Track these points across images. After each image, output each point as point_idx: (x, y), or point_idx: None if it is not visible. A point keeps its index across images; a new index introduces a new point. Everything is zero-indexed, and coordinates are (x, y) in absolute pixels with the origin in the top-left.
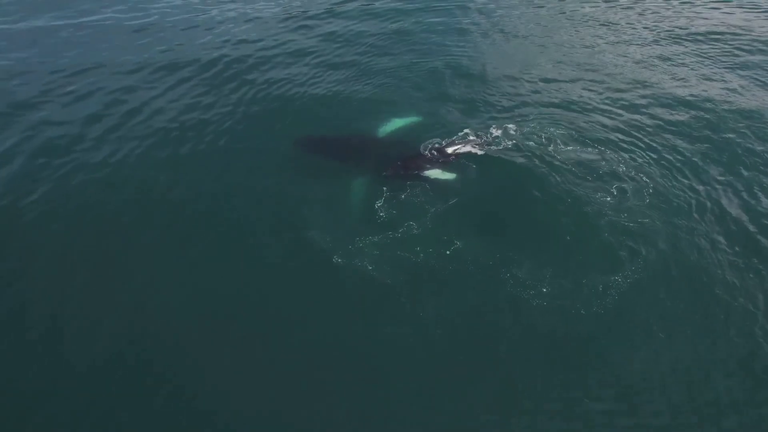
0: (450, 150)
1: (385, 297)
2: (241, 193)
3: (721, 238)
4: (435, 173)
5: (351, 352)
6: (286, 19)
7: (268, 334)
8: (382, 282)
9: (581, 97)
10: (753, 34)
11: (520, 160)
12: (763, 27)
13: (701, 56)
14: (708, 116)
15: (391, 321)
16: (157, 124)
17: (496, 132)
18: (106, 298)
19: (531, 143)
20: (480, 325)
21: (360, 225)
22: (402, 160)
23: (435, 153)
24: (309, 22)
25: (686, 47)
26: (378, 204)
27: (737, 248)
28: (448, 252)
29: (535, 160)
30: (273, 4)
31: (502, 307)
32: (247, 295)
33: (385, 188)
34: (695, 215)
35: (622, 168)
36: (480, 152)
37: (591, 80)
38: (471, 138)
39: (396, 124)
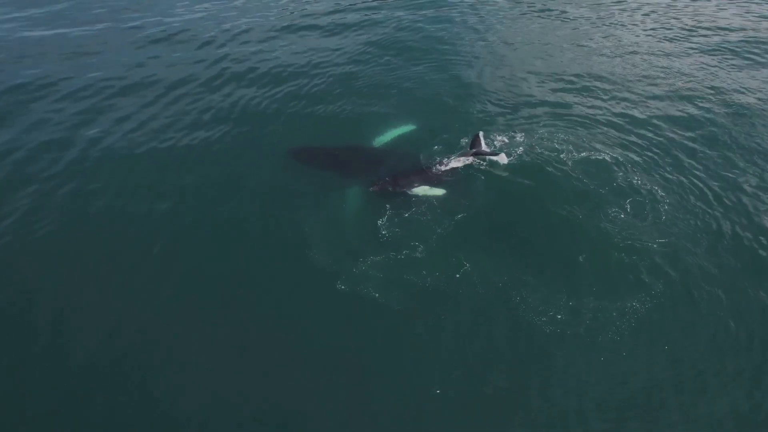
0: (444, 165)
1: (394, 325)
2: (234, 207)
3: (747, 261)
4: (423, 190)
5: (358, 383)
6: (283, 28)
7: (273, 364)
8: (389, 309)
9: (589, 104)
10: None
11: (527, 171)
12: None
13: (720, 60)
14: (735, 125)
15: (400, 350)
16: (149, 132)
17: (500, 142)
18: (104, 302)
19: (538, 153)
20: (493, 355)
21: (363, 245)
22: (390, 176)
23: (427, 168)
24: (305, 32)
25: (704, 50)
26: (381, 222)
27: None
28: (457, 275)
29: (542, 171)
30: (271, 14)
31: (516, 336)
32: (248, 317)
33: (388, 205)
34: (717, 234)
35: (636, 180)
36: (482, 164)
37: (598, 87)
38: (469, 150)
39: (392, 133)
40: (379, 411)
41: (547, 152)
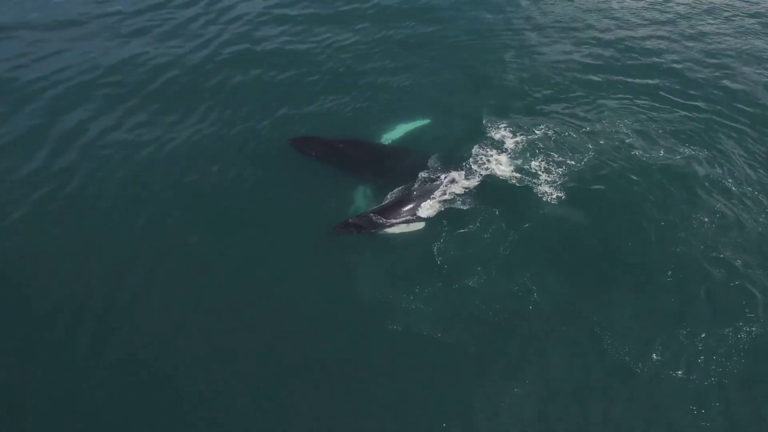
0: (437, 189)
1: (465, 371)
2: (235, 207)
3: None
4: (400, 228)
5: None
6: (288, 14)
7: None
8: (454, 350)
9: (645, 96)
10: None
11: (581, 175)
12: None
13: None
14: None
15: (475, 400)
16: (132, 125)
17: (531, 140)
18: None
19: (586, 153)
20: (583, 408)
21: (415, 273)
22: (357, 217)
23: (405, 200)
24: (310, 16)
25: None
26: (437, 245)
27: None
28: (530, 307)
29: (599, 175)
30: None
31: (607, 380)
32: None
33: (445, 221)
34: None
35: (719, 179)
36: (504, 172)
37: (651, 75)
38: (470, 168)
39: (403, 128)
40: None
41: (598, 151)
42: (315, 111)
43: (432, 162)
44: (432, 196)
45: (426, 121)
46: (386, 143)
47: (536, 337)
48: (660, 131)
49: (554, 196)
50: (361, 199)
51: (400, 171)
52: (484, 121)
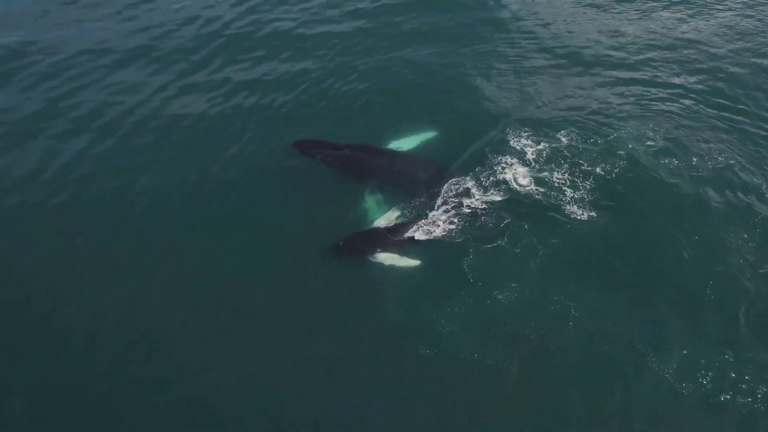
0: (439, 215)
1: (504, 393)
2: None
3: None
4: (391, 258)
5: None
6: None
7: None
8: (492, 372)
9: (670, 95)
10: None
11: (610, 185)
12: None
13: None
14: None
15: (517, 422)
16: (144, 120)
17: (556, 150)
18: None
19: (616, 160)
20: (627, 429)
21: (446, 290)
22: (345, 240)
23: (403, 226)
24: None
25: None
26: (466, 261)
27: None
28: (569, 324)
29: (630, 181)
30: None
31: (654, 406)
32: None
33: (471, 235)
34: None
35: (757, 189)
36: (527, 183)
37: (679, 76)
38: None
39: (410, 139)
40: None
41: (627, 160)
42: (319, 114)
43: (447, 172)
44: (441, 216)
45: (433, 133)
46: (395, 149)
47: (576, 355)
48: (691, 138)
49: (582, 209)
50: (372, 206)
51: (412, 179)
52: (502, 127)
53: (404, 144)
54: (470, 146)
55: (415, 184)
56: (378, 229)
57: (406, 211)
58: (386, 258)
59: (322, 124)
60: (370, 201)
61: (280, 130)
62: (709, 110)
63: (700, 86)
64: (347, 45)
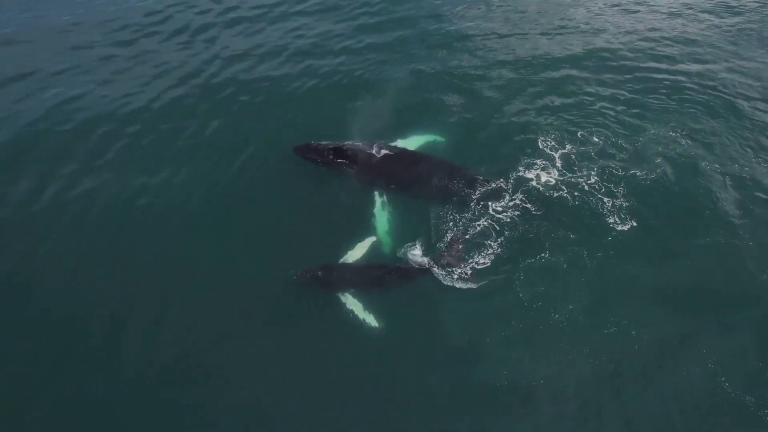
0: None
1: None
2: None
3: None
4: (353, 303)
5: None
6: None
7: None
8: (561, 400)
9: (703, 94)
10: None
11: (649, 189)
12: None
13: None
14: None
15: None
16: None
17: (583, 163)
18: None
19: (651, 161)
20: None
21: (500, 311)
22: (322, 268)
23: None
24: (314, 17)
25: None
26: (516, 277)
27: None
28: (635, 346)
29: (670, 183)
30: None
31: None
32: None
33: (516, 247)
34: None
35: None
36: (559, 188)
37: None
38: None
39: (415, 140)
40: None
41: (663, 161)
42: (319, 118)
43: (467, 173)
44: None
45: (442, 139)
46: (399, 150)
47: (645, 375)
48: (731, 140)
49: (622, 218)
50: (379, 209)
51: (419, 178)
52: (521, 131)
53: (408, 144)
54: (488, 150)
55: (422, 181)
56: (352, 266)
57: (436, 222)
58: (351, 302)
59: (322, 129)
60: (377, 202)
61: (281, 137)
62: (745, 113)
63: (729, 81)
64: (347, 45)
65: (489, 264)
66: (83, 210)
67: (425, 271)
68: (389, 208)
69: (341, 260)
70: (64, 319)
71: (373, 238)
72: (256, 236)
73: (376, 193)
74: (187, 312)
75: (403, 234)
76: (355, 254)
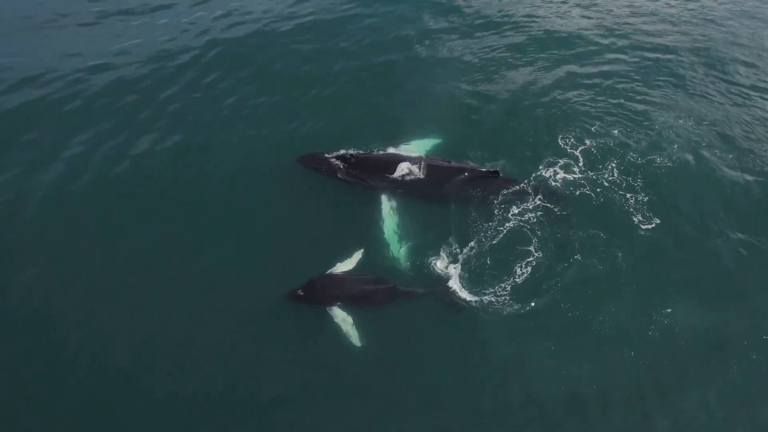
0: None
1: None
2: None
3: None
4: (342, 318)
5: None
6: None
7: None
8: (609, 407)
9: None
10: None
11: (675, 183)
12: None
13: None
14: None
15: None
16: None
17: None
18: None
19: (674, 155)
20: None
21: (542, 321)
22: (310, 282)
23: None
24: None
25: None
26: (554, 281)
27: None
28: (682, 344)
29: (698, 178)
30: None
31: None
32: None
33: (550, 248)
34: None
35: None
36: (581, 185)
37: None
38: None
39: (415, 144)
40: None
41: (681, 154)
42: (321, 127)
43: (479, 174)
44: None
45: (439, 140)
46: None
47: (692, 375)
48: (744, 129)
49: (647, 215)
50: (388, 213)
51: (425, 181)
52: (536, 128)
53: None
54: (501, 149)
55: (428, 183)
56: (340, 277)
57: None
58: (339, 317)
59: (324, 138)
60: (386, 207)
61: (283, 147)
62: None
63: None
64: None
65: (529, 272)
66: (76, 211)
67: (415, 294)
68: (397, 215)
69: (329, 271)
70: (36, 319)
71: (362, 251)
72: (255, 245)
73: (383, 197)
74: (183, 318)
75: (426, 241)
76: (344, 266)
